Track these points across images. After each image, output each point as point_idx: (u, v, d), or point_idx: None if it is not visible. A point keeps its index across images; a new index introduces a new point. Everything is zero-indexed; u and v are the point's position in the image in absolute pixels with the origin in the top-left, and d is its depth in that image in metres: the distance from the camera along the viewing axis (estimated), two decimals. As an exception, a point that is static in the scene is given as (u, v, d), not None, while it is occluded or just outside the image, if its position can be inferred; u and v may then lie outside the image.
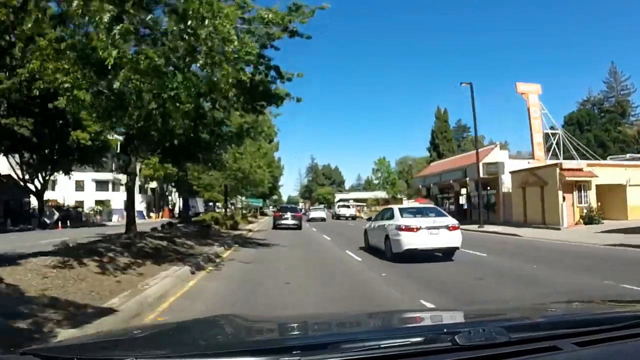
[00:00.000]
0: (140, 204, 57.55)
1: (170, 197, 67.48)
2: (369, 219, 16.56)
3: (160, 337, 1.80)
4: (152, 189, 62.95)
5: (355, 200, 71.26)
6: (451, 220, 11.96)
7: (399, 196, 61.88)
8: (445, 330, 1.47)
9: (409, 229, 11.29)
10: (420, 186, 41.90)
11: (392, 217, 12.32)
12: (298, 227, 26.86)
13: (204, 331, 1.87)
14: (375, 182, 62.46)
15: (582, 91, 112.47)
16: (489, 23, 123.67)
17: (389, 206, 14.91)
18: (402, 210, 12.56)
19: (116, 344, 1.63)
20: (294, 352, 1.30)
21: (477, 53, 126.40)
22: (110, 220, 45.09)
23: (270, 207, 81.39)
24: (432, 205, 14.63)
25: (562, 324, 1.63)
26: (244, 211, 55.79)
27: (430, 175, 40.64)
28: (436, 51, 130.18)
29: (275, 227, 26.95)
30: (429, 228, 11.32)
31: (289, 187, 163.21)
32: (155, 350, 1.42)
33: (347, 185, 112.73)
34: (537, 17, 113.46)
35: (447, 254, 11.71)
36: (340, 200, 74.29)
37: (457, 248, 11.68)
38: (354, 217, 47.22)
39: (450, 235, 11.47)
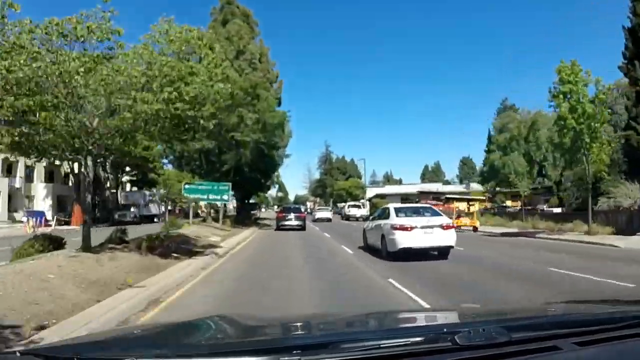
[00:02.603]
0: (43, 201, 37.92)
1: (116, 191, 45.19)
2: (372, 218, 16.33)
3: (160, 337, 1.79)
4: (76, 175, 33.17)
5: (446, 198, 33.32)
6: (445, 220, 12.13)
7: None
8: (445, 330, 1.48)
9: (403, 228, 11.43)
10: None
11: (387, 216, 12.47)
12: (302, 227, 26.27)
13: (203, 331, 1.86)
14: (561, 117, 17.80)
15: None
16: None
17: (386, 205, 14.93)
18: (397, 210, 12.70)
19: (116, 344, 1.62)
20: (294, 351, 1.30)
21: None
22: None
23: (275, 206, 74.23)
24: (427, 205, 14.69)
25: (562, 323, 1.64)
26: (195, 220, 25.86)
27: None
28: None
29: (279, 228, 26.46)
30: (423, 227, 11.44)
31: (297, 184, 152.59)
32: (155, 350, 1.41)
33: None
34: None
35: (441, 252, 11.88)
36: (377, 195, 58.95)
37: (452, 247, 11.86)
38: (365, 218, 43.04)
39: (444, 234, 11.63)
